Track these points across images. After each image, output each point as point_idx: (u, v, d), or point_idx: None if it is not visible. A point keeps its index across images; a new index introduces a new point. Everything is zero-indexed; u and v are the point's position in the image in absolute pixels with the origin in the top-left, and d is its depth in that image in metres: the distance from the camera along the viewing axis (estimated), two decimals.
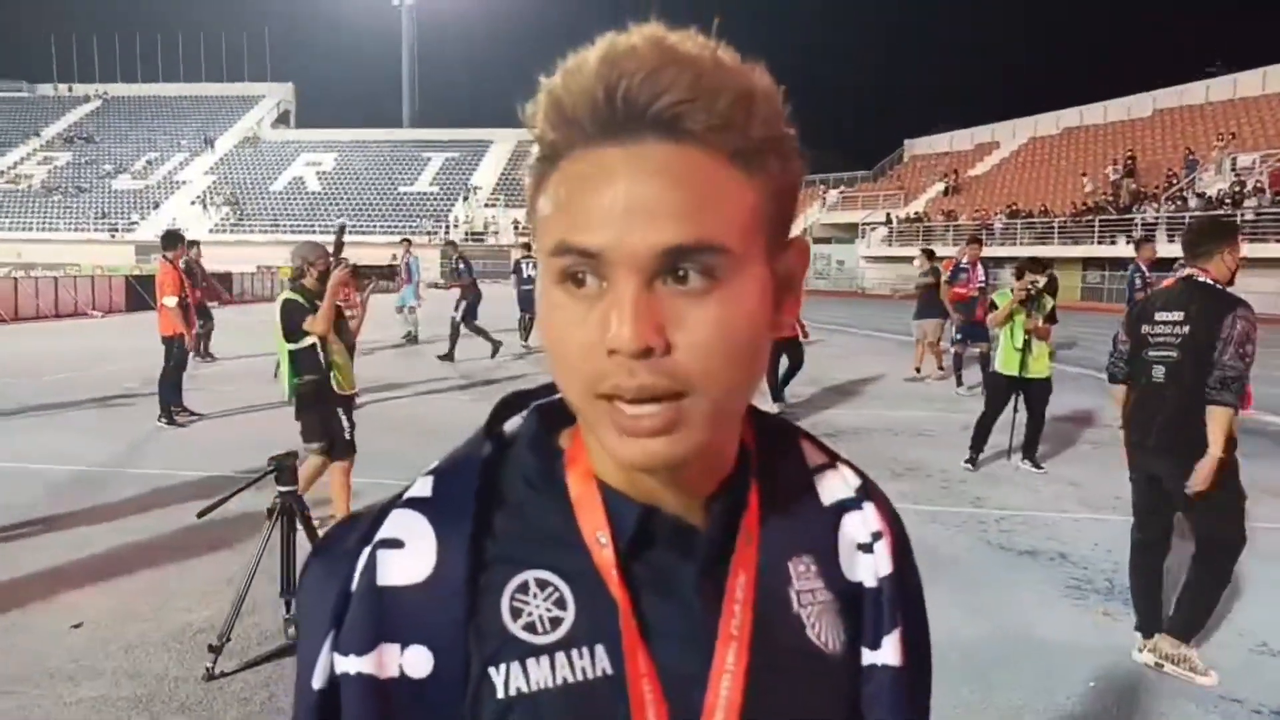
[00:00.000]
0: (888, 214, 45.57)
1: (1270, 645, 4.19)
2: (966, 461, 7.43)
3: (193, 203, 57.46)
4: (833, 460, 0.76)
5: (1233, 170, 32.94)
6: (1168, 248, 15.89)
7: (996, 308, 7.50)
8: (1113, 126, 43.82)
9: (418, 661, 0.61)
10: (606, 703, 0.61)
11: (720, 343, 0.56)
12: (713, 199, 0.55)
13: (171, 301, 8.92)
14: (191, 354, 12.59)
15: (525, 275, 15.24)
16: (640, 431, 0.56)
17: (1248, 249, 22.60)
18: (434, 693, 0.61)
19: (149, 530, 5.54)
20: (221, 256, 41.70)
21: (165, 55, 78.05)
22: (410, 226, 49.05)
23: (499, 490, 0.66)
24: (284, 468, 3.89)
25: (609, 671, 0.61)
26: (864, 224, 46.08)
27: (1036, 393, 7.37)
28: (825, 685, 0.69)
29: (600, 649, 0.62)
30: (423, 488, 0.67)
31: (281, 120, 71.50)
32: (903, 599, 0.73)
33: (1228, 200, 30.34)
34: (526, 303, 15.17)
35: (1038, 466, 7.43)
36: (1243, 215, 28.48)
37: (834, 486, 0.74)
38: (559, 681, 0.61)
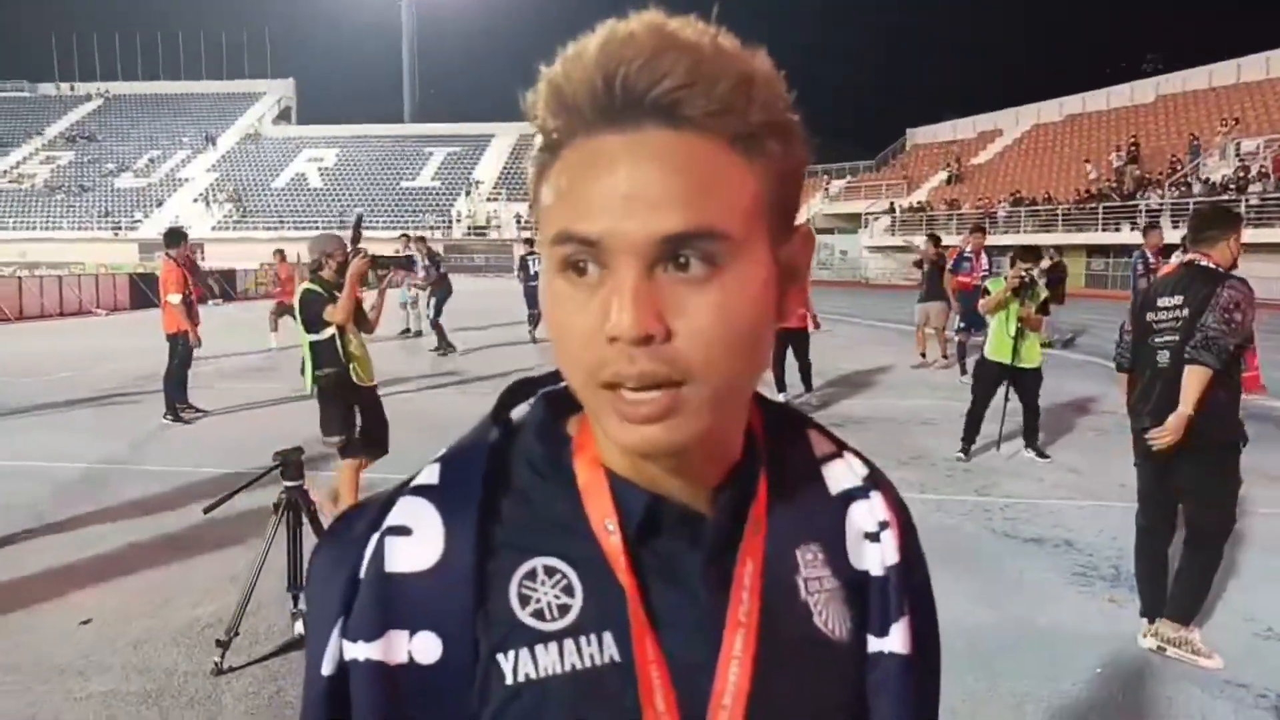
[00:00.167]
0: (891, 203, 45.46)
1: (1275, 630, 4.19)
2: (959, 453, 7.36)
3: (195, 200, 57.51)
4: (840, 449, 0.76)
5: (1237, 156, 32.82)
6: (1172, 234, 15.84)
7: (989, 294, 7.43)
8: (1116, 113, 43.67)
9: (426, 648, 0.62)
10: (615, 689, 0.61)
11: (721, 330, 0.56)
12: (713, 185, 0.55)
13: (175, 299, 8.94)
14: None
15: (532, 271, 15.25)
16: (640, 418, 0.56)
17: (1252, 234, 22.59)
18: (442, 679, 0.62)
19: (156, 527, 5.56)
20: (225, 254, 41.84)
21: (166, 53, 78.08)
22: (413, 221, 49.09)
23: (506, 477, 0.67)
24: (289, 463, 3.90)
25: (617, 659, 0.62)
26: (867, 214, 45.97)
27: (1028, 382, 7.28)
28: (832, 672, 0.69)
29: (608, 636, 0.62)
30: (430, 475, 0.67)
31: (283, 117, 71.49)
32: (910, 588, 0.73)
33: (1232, 186, 30.22)
34: (533, 299, 15.18)
35: (1043, 455, 7.39)
36: (1247, 201, 28.37)
37: (841, 475, 0.74)
38: (567, 668, 0.61)
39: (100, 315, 23.03)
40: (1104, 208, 34.18)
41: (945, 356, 12.69)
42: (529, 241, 18.18)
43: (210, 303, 22.05)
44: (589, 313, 0.56)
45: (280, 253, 16.76)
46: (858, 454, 0.77)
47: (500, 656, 0.61)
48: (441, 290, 14.44)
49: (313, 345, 5.17)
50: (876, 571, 0.72)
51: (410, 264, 6.18)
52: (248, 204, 57.28)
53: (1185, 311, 3.84)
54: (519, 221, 52.16)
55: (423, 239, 16.21)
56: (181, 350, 9.05)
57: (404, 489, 0.67)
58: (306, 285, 5.24)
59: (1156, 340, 3.98)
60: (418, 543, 0.63)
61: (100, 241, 51.06)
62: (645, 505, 0.64)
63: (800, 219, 0.64)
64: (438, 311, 14.31)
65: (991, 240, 14.44)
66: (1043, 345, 14.86)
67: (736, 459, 0.67)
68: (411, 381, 11.14)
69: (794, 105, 0.60)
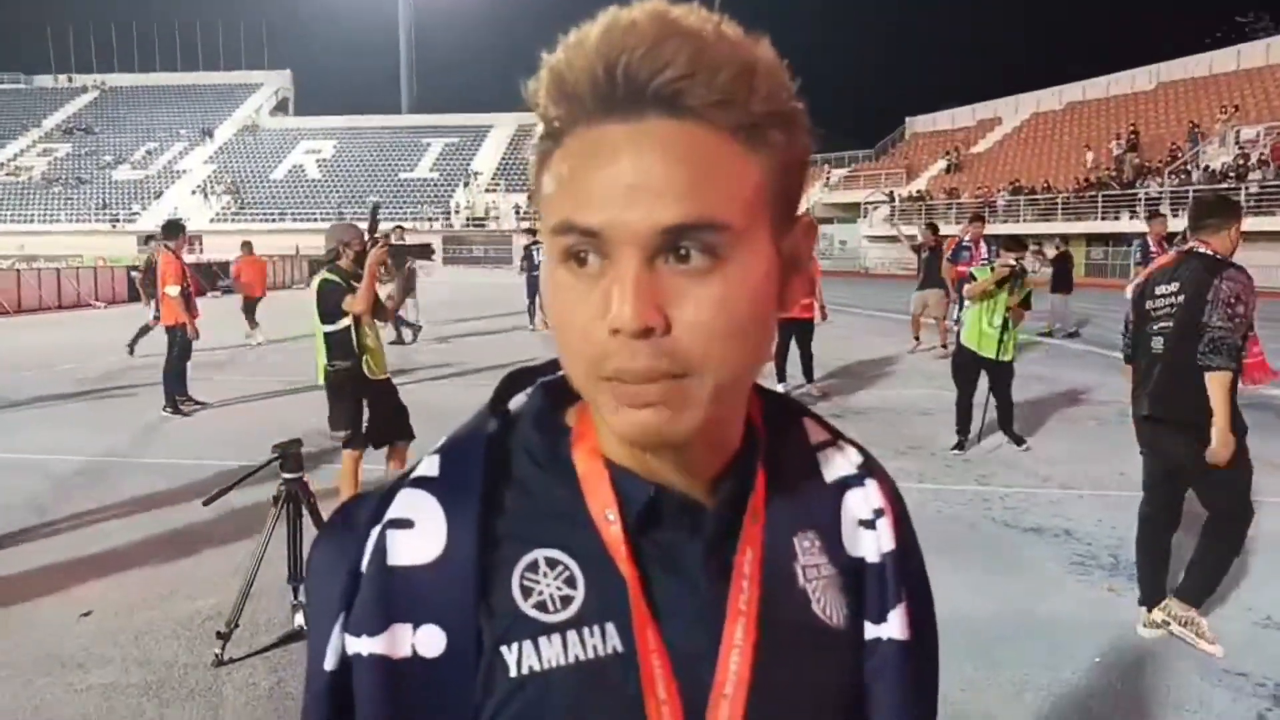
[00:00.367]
0: (890, 192, 45.40)
1: (1274, 619, 4.20)
2: (955, 447, 7.29)
3: (193, 192, 57.44)
4: (835, 438, 0.76)
5: (1236, 143, 32.76)
6: (1173, 222, 15.83)
7: (974, 280, 7.25)
8: (1115, 100, 43.59)
9: (430, 641, 0.62)
10: (617, 680, 0.61)
11: (722, 322, 0.56)
12: (714, 175, 0.55)
13: (174, 291, 8.92)
14: (126, 344, 12.63)
15: (535, 261, 15.24)
16: (639, 402, 0.56)
17: (1252, 222, 22.55)
18: (447, 672, 0.61)
19: (155, 519, 5.57)
20: (223, 245, 41.71)
21: (163, 45, 78.03)
22: (412, 213, 49.04)
23: (506, 468, 0.66)
24: (289, 455, 3.90)
25: (619, 649, 0.62)
26: (866, 203, 45.92)
27: (1003, 375, 7.16)
28: (831, 659, 0.69)
29: (611, 627, 0.62)
30: (430, 467, 0.66)
31: (280, 108, 71.36)
32: (906, 574, 0.73)
33: (1231, 173, 30.18)
34: (535, 289, 15.18)
35: (1020, 442, 7.30)
36: (1246, 189, 28.33)
37: (837, 463, 0.75)
38: (571, 660, 0.61)
39: (99, 308, 23.00)
40: (1103, 196, 34.14)
41: (945, 346, 12.68)
42: (531, 231, 18.15)
43: (210, 295, 21.99)
44: (590, 304, 0.56)
45: (248, 244, 16.16)
46: (852, 442, 0.77)
47: (504, 649, 0.61)
48: (410, 282, 14.32)
49: (327, 336, 5.10)
50: (872, 558, 0.72)
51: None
52: (246, 196, 57.22)
53: (1181, 298, 3.85)
54: (518, 212, 52.10)
55: (400, 228, 15.99)
56: (180, 343, 9.05)
57: (404, 481, 0.66)
58: (324, 275, 5.17)
59: (1153, 328, 3.99)
60: (420, 535, 0.63)
61: (98, 234, 51.01)
62: (646, 495, 0.64)
63: (800, 209, 0.64)
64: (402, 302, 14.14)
65: (991, 229, 14.43)
66: (1042, 334, 14.94)
67: (736, 448, 0.67)
68: (411, 373, 11.14)
69: (797, 94, 0.60)
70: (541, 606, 0.62)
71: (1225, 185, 29.42)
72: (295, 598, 3.97)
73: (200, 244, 29.17)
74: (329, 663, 0.63)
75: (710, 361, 0.56)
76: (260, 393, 10.10)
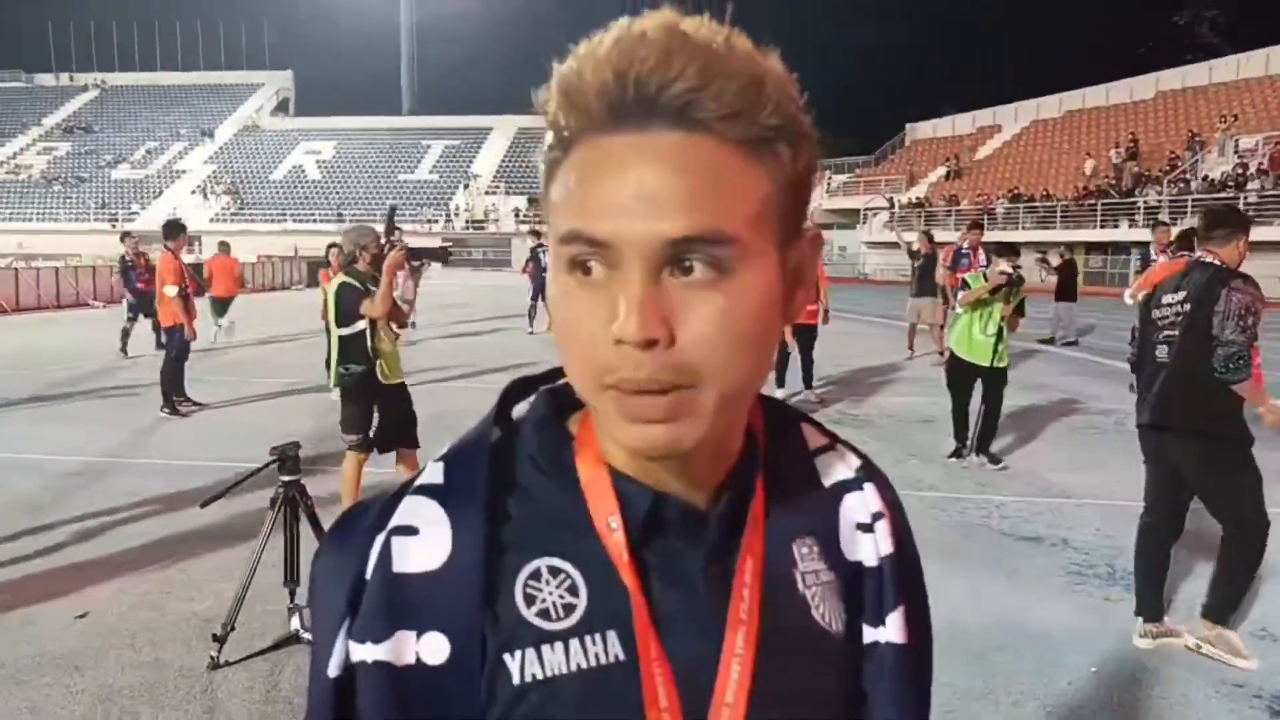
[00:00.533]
0: (890, 198, 45.44)
1: (1271, 630, 4.20)
2: (952, 454, 7.26)
3: (193, 192, 57.42)
4: (833, 442, 0.77)
5: (1235, 152, 32.83)
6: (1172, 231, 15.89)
7: (969, 287, 7.06)
8: (1115, 109, 43.68)
9: (434, 649, 0.62)
10: (620, 687, 0.61)
11: (726, 336, 0.56)
12: (721, 188, 0.55)
13: (172, 291, 8.92)
14: (119, 349, 12.57)
15: (543, 264, 15.27)
16: (643, 416, 0.57)
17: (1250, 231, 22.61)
18: (450, 679, 0.61)
19: (152, 521, 5.56)
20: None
21: (164, 44, 77.51)
22: (411, 215, 49.02)
23: (510, 476, 0.67)
24: (287, 458, 3.90)
25: (621, 657, 0.62)
26: (866, 209, 45.97)
27: (998, 382, 7.01)
28: (831, 664, 0.70)
29: (613, 635, 0.62)
30: (434, 474, 0.67)
31: (281, 108, 71.38)
32: (904, 577, 0.73)
33: (1230, 183, 30.25)
34: (541, 290, 15.19)
35: (996, 462, 7.06)
36: (1245, 198, 28.39)
37: (834, 468, 0.75)
38: (573, 667, 0.61)
39: (97, 307, 22.97)
40: (1103, 204, 34.20)
41: (941, 353, 12.69)
42: (536, 233, 18.14)
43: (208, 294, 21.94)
44: (595, 313, 0.56)
45: (224, 245, 15.72)
46: (850, 447, 0.78)
47: (507, 656, 0.62)
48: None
49: (342, 340, 5.09)
50: (870, 562, 0.73)
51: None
52: (245, 196, 57.20)
53: (1187, 307, 3.85)
54: (517, 215, 52.14)
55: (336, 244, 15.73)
56: (178, 344, 9.04)
57: (408, 488, 0.66)
58: (342, 279, 5.16)
59: (1159, 336, 3.99)
60: (425, 542, 0.63)
61: (97, 233, 50.93)
62: (648, 503, 0.64)
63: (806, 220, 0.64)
64: None
65: (990, 236, 14.46)
66: (1043, 340, 14.94)
67: (737, 457, 0.67)
68: (410, 376, 11.12)
69: (805, 108, 0.60)
70: (544, 614, 0.62)
71: (1224, 194, 29.48)
72: (292, 601, 3.97)
73: (200, 244, 29.11)
74: (333, 669, 0.63)
75: (714, 373, 0.56)
76: (258, 394, 10.09)
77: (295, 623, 3.92)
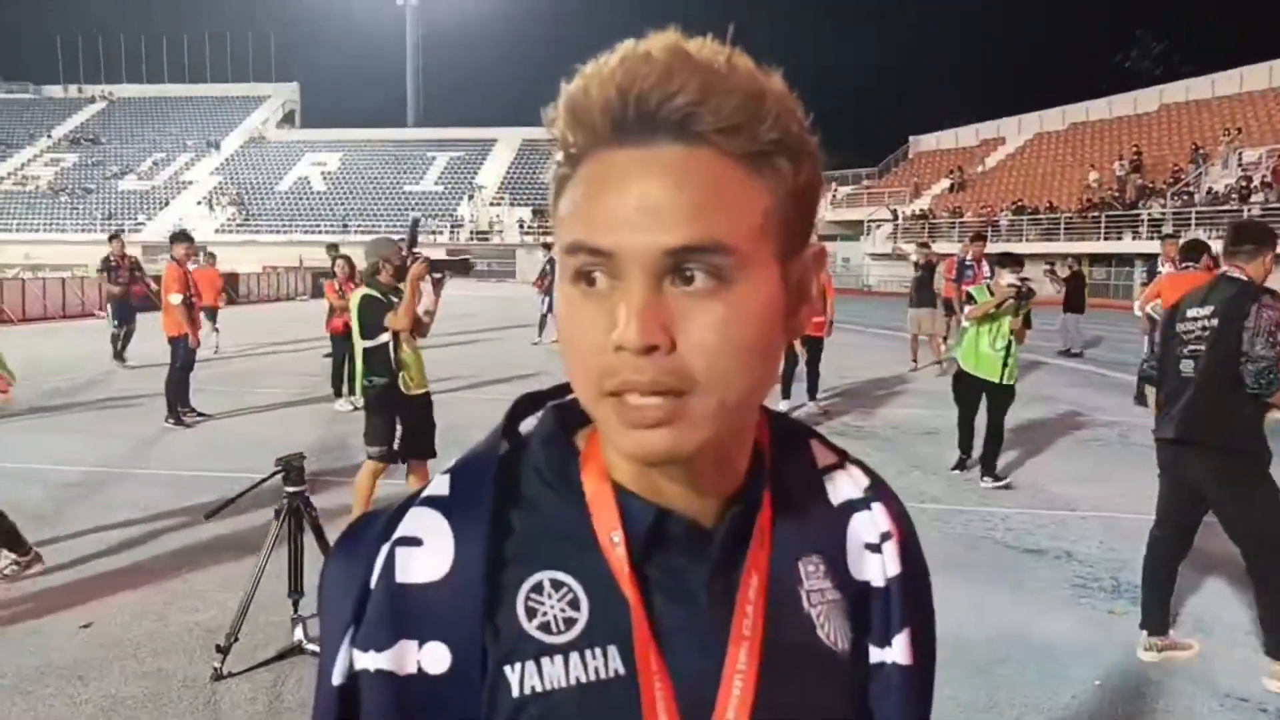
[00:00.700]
0: (894, 210, 45.46)
1: None
2: (955, 465, 7.20)
3: (199, 203, 57.60)
4: (842, 460, 0.77)
5: (1239, 165, 32.82)
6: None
7: (974, 301, 6.89)
8: (1119, 121, 43.71)
9: (436, 659, 0.62)
10: (619, 702, 0.62)
11: (726, 344, 0.57)
12: (720, 200, 0.56)
13: (176, 299, 8.93)
14: (111, 356, 12.55)
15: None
16: (643, 422, 0.57)
17: None
18: (451, 690, 0.62)
19: (157, 531, 5.57)
20: (228, 257, 41.73)
21: (170, 56, 77.78)
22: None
23: (516, 489, 0.67)
24: (292, 469, 3.90)
25: (621, 672, 0.62)
26: (869, 221, 45.99)
27: (1004, 399, 6.84)
28: (835, 684, 0.70)
29: (613, 649, 0.63)
30: (441, 486, 0.68)
31: (287, 120, 71.62)
32: (912, 598, 0.73)
33: (1234, 195, 30.23)
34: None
35: (999, 479, 6.87)
36: (1249, 211, 28.36)
37: (843, 486, 0.75)
38: (573, 681, 0.62)
39: (102, 317, 22.99)
40: (1106, 216, 34.19)
41: (940, 363, 12.73)
42: (548, 246, 18.14)
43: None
44: (598, 322, 0.57)
45: (210, 255, 15.57)
46: (860, 464, 0.77)
47: (507, 668, 0.62)
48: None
49: (366, 351, 5.12)
50: (878, 582, 0.73)
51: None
52: (251, 207, 57.37)
53: (1214, 321, 3.80)
54: (522, 226, 52.21)
55: (334, 245, 15.58)
56: (183, 354, 9.06)
57: (415, 499, 0.67)
58: (365, 291, 5.20)
59: (1184, 350, 3.92)
60: (428, 554, 0.64)
61: (104, 244, 50.98)
62: (651, 518, 0.64)
63: (811, 237, 0.65)
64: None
65: (994, 248, 14.49)
66: (1061, 353, 14.94)
67: (743, 472, 0.68)
68: None
69: (809, 124, 0.61)
70: (545, 628, 0.63)
71: (1228, 207, 29.47)
72: (295, 612, 3.97)
73: (204, 255, 29.31)
74: (337, 676, 0.64)
75: (713, 380, 0.57)
76: (263, 405, 10.10)
77: (299, 634, 3.92)
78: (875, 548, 0.73)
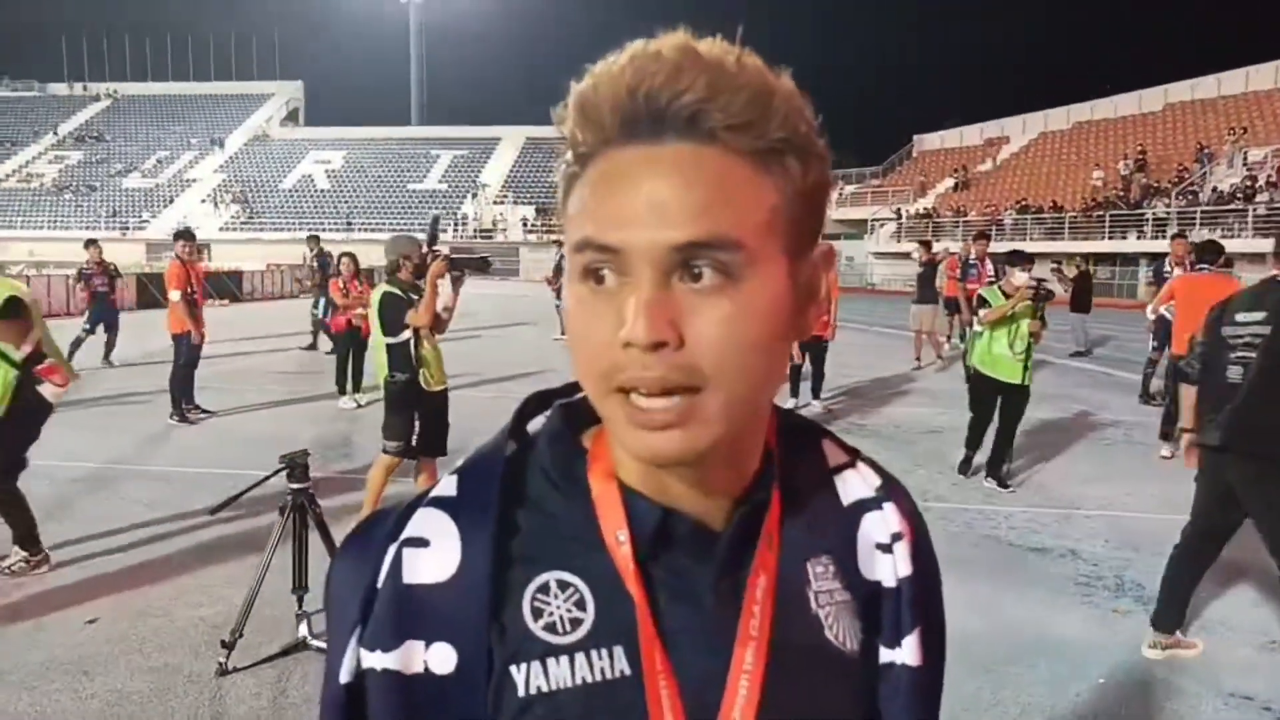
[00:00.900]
0: (898, 209, 45.40)
1: (1279, 641, 4.18)
2: (961, 463, 7.12)
3: (203, 201, 57.67)
4: (853, 460, 0.76)
5: (1244, 165, 32.73)
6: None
7: (987, 303, 6.68)
8: (1124, 120, 43.58)
9: (442, 659, 0.62)
10: (625, 702, 0.62)
11: (732, 340, 0.57)
12: (728, 196, 0.56)
13: (175, 295, 8.92)
14: (101, 360, 12.50)
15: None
16: (653, 424, 0.57)
17: (1258, 244, 22.50)
18: (457, 689, 0.62)
19: (161, 527, 5.58)
20: (232, 254, 41.89)
21: (175, 54, 78.38)
22: (420, 224, 49.13)
23: (522, 490, 0.67)
24: (296, 465, 3.91)
25: (627, 672, 0.62)
26: (873, 220, 45.93)
27: (1021, 400, 6.68)
28: (843, 685, 0.69)
29: (619, 649, 0.63)
30: (448, 487, 0.68)
31: (290, 118, 71.64)
32: (923, 599, 0.73)
33: (1239, 195, 30.15)
34: None
35: (1004, 485, 6.75)
36: (1255, 210, 28.30)
37: (854, 486, 0.75)
38: (578, 681, 0.62)
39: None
40: (1111, 216, 34.12)
41: (940, 358, 12.79)
42: (559, 243, 18.07)
43: (217, 303, 22.03)
44: (606, 319, 0.57)
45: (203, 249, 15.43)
46: (872, 463, 0.77)
47: (513, 668, 0.62)
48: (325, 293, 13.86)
49: (389, 348, 5.18)
50: (889, 583, 0.72)
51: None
52: (255, 205, 57.42)
53: (1267, 329, 3.69)
54: (525, 224, 52.22)
55: (315, 238, 15.25)
56: (186, 351, 9.07)
57: (422, 500, 0.68)
58: (385, 288, 5.24)
59: (1231, 356, 3.81)
60: (435, 554, 0.64)
61: (108, 241, 50.95)
62: (657, 518, 0.64)
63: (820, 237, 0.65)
64: (325, 312, 13.09)
65: (997, 247, 14.49)
66: (1074, 354, 14.94)
67: (752, 472, 0.68)
68: None
69: (818, 125, 0.61)
70: (551, 628, 0.63)
71: (1233, 207, 29.40)
72: (300, 608, 3.98)
73: (209, 252, 29.40)
74: (344, 675, 0.64)
75: (721, 376, 0.57)
76: (267, 402, 10.12)
77: (303, 629, 3.93)
78: (886, 548, 0.73)
